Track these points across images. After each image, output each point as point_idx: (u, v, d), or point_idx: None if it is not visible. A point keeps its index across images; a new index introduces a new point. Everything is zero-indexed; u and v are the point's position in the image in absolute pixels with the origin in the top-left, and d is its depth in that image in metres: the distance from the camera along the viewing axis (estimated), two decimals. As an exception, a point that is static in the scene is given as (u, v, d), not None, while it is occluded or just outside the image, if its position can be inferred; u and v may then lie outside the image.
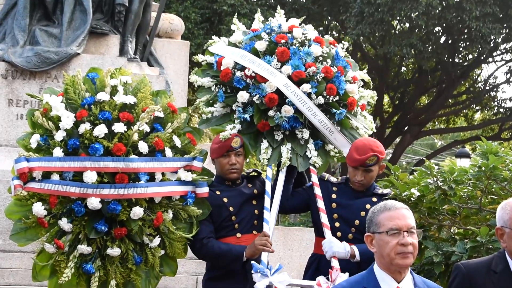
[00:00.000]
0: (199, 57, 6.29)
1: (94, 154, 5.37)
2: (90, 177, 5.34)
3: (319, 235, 5.88)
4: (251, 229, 5.83)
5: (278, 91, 5.87)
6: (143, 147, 5.45)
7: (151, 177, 5.48)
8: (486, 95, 26.04)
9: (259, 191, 5.94)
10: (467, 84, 26.57)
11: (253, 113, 5.92)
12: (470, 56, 24.57)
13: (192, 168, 5.66)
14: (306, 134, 5.96)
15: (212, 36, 6.56)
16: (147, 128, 5.53)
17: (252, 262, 5.49)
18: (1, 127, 9.72)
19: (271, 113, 5.90)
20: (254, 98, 5.90)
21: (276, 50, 5.96)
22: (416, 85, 25.39)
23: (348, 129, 6.07)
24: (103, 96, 5.55)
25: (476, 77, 27.21)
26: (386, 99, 27.08)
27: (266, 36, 6.06)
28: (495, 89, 26.24)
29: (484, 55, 23.71)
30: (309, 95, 5.88)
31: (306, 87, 5.87)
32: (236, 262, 5.65)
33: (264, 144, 5.93)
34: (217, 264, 5.76)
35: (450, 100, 26.27)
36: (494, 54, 24.56)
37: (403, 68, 26.33)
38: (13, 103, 9.79)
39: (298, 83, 5.88)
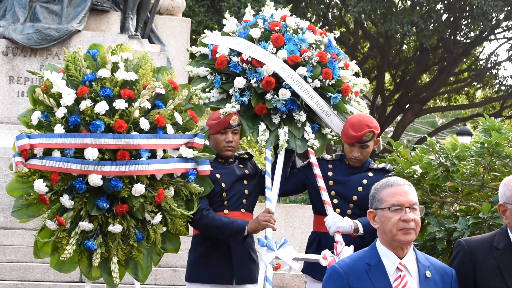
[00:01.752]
0: (193, 49, 6.33)
1: (95, 131, 5.35)
2: (91, 154, 5.32)
3: (318, 213, 5.95)
4: (239, 207, 5.85)
5: (275, 75, 5.91)
6: (144, 124, 5.43)
7: (153, 154, 5.47)
8: (488, 73, 25.98)
9: (250, 172, 5.98)
10: (468, 61, 26.49)
11: (250, 96, 5.95)
12: (472, 34, 24.49)
13: (193, 145, 5.64)
14: (303, 117, 6.00)
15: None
16: (148, 105, 5.51)
17: (258, 237, 5.55)
18: (2, 104, 9.71)
19: (268, 96, 5.93)
20: (252, 82, 5.94)
21: (270, 37, 6.00)
22: (418, 63, 25.32)
23: (342, 113, 6.12)
24: (104, 72, 5.53)
25: (478, 54, 27.13)
26: (387, 77, 27.03)
27: (261, 23, 6.12)
28: (496, 67, 26.16)
29: (486, 33, 23.61)
30: (305, 78, 5.93)
31: (302, 70, 5.92)
32: (237, 235, 5.65)
33: (262, 126, 5.95)
34: (216, 235, 5.73)
35: (451, 78, 26.20)
36: (496, 31, 24.47)
37: (405, 46, 26.24)
38: (14, 80, 9.78)
39: (294, 67, 5.94)
